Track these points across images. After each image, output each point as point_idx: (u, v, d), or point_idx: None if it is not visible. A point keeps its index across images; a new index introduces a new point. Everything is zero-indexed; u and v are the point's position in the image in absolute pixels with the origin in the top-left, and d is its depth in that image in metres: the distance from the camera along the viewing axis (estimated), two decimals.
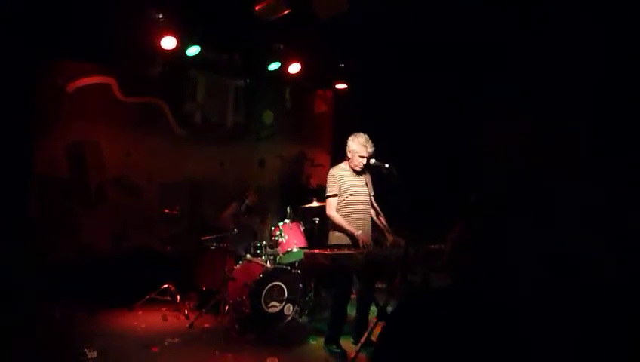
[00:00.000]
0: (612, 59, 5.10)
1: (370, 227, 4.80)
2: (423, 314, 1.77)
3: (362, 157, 4.59)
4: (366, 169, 4.76)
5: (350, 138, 4.70)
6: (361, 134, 4.67)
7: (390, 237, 4.75)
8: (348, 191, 4.65)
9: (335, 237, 4.65)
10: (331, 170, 4.77)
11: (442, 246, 4.84)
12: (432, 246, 4.70)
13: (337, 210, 4.66)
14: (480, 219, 1.99)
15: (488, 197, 6.18)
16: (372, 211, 4.87)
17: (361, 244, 4.41)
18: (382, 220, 4.86)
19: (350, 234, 4.54)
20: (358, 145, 4.62)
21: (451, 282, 1.90)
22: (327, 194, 4.72)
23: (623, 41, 4.94)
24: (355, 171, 4.71)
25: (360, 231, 4.50)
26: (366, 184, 4.76)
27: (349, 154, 4.71)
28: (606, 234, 4.76)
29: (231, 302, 5.42)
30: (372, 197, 4.87)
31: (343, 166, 4.77)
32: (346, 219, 4.61)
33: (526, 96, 6.11)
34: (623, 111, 5.11)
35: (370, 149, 4.60)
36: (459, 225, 1.94)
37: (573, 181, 5.46)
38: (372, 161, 4.59)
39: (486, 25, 5.56)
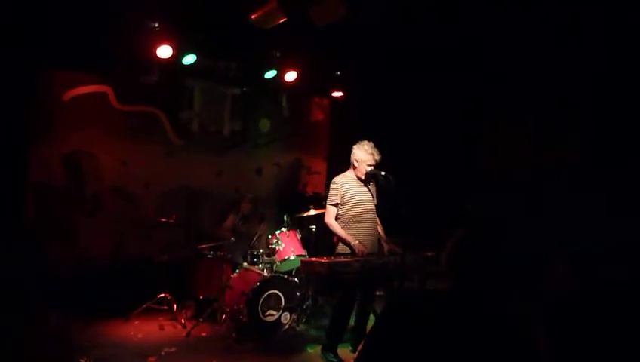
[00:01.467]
0: (613, 62, 5.11)
1: (376, 236, 4.78)
2: (414, 314, 1.79)
3: (370, 165, 4.55)
4: (370, 178, 4.74)
5: (355, 146, 4.66)
6: (366, 142, 4.61)
7: (386, 246, 4.74)
8: (353, 200, 4.61)
9: (342, 247, 4.63)
10: (335, 179, 4.72)
11: (438, 253, 4.86)
12: (429, 254, 4.71)
13: (343, 220, 4.62)
14: (477, 226, 2.03)
15: (482, 205, 6.20)
16: None
17: (358, 253, 4.39)
18: (379, 229, 4.85)
19: (347, 243, 4.53)
20: (365, 154, 4.56)
21: (448, 286, 1.92)
22: (328, 202, 4.69)
23: (624, 44, 4.95)
24: (360, 180, 4.69)
25: (357, 241, 4.47)
26: (371, 193, 4.74)
27: (355, 163, 4.66)
28: (604, 237, 4.76)
29: (228, 310, 5.40)
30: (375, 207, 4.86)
31: (348, 174, 4.72)
32: (352, 228, 4.59)
33: (525, 103, 6.13)
34: (624, 116, 5.13)
35: (377, 157, 4.56)
36: (457, 231, 1.98)
37: (573, 185, 5.47)
38: (369, 168, 4.58)
39: (484, 31, 5.59)
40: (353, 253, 4.45)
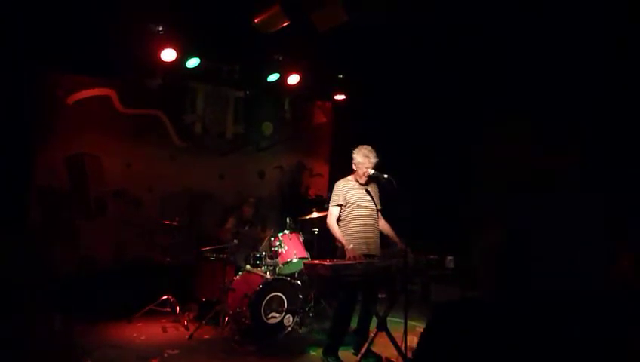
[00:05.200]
0: (613, 67, 5.11)
1: (378, 237, 4.79)
2: (460, 325, 1.70)
3: (367, 168, 4.60)
4: (372, 182, 4.77)
5: (355, 150, 4.71)
6: (366, 146, 4.68)
7: (401, 246, 4.57)
8: (354, 202, 4.66)
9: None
10: (337, 182, 4.80)
11: (441, 255, 4.83)
12: (431, 256, 4.70)
13: (345, 221, 4.67)
14: (512, 226, 1.88)
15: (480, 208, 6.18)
16: (381, 223, 4.86)
17: (349, 258, 4.36)
18: (390, 231, 4.83)
19: (341, 246, 4.54)
20: (362, 157, 4.63)
21: (481, 295, 1.82)
22: (330, 204, 4.75)
23: (624, 47, 4.95)
24: (361, 184, 4.72)
25: (351, 246, 4.47)
26: (372, 197, 4.75)
27: (354, 167, 4.72)
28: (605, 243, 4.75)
29: (231, 312, 5.40)
30: (379, 212, 4.84)
31: (351, 178, 4.78)
32: (354, 229, 4.62)
33: (526, 107, 6.13)
34: (625, 120, 5.12)
35: (374, 160, 4.61)
36: (490, 231, 1.84)
37: (572, 191, 5.46)
38: (371, 171, 4.60)
39: (485, 35, 5.60)
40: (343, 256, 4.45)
